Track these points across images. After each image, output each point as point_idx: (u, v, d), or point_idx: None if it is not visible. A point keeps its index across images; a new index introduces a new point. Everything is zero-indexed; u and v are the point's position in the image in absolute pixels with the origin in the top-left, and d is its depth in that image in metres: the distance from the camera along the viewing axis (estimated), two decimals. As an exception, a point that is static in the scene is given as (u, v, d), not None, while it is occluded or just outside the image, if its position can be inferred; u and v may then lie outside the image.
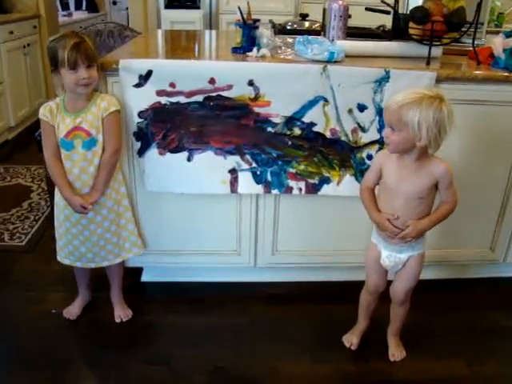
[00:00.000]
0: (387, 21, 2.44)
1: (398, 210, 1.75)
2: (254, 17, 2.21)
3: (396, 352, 2.04)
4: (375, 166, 1.83)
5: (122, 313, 2.18)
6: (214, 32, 3.71)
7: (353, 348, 2.06)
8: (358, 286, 2.26)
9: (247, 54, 2.11)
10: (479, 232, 2.40)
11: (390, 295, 1.97)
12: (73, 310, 2.17)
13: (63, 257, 2.08)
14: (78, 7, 7.27)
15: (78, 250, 2.02)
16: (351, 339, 2.08)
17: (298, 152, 2.08)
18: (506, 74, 2.08)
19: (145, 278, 2.43)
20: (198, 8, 4.58)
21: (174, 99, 1.96)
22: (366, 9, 2.55)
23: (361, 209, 2.20)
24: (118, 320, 2.16)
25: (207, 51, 2.70)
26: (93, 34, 3.19)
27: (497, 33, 2.65)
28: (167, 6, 4.60)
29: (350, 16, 2.34)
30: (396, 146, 1.68)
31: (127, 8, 5.75)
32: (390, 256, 1.86)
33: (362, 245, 2.29)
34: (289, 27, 2.70)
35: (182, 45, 2.81)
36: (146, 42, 2.84)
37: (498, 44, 2.16)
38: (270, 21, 2.73)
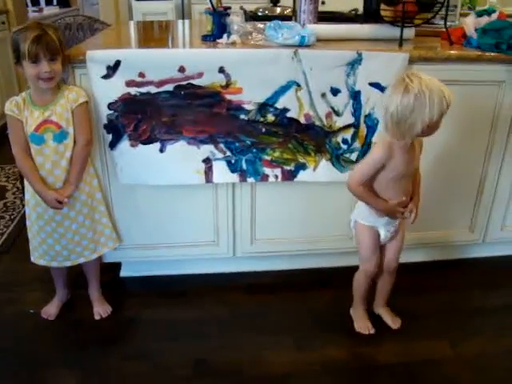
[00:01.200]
0: (360, 4, 2.42)
1: (403, 190, 1.83)
2: (227, 5, 2.18)
3: (395, 319, 2.10)
4: (377, 163, 1.76)
5: (101, 309, 2.14)
6: (186, 21, 3.66)
7: (372, 332, 2.06)
8: (338, 272, 2.28)
9: (217, 41, 2.08)
10: (458, 213, 2.40)
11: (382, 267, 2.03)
12: (51, 310, 2.13)
13: (38, 257, 2.03)
14: (48, 2, 7.11)
15: (53, 249, 1.98)
16: (366, 324, 2.08)
17: (272, 139, 2.05)
18: (478, 52, 2.07)
19: (123, 273, 2.40)
20: (170, -1, 4.53)
21: (143, 89, 1.92)
22: (338, -8, 2.53)
23: (338, 194, 2.20)
24: (97, 317, 2.12)
25: (179, 40, 2.65)
26: (62, 27, 3.12)
27: (471, 15, 2.64)
28: (139, -2, 4.55)
29: (323, 2, 2.32)
30: None
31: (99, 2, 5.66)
32: (390, 228, 1.93)
33: (341, 230, 2.29)
34: (260, 13, 2.67)
35: (152, 35, 2.76)
36: (116, 33, 2.79)
37: (469, 23, 2.16)
38: (241, 7, 2.69)
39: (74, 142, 1.86)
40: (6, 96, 4.51)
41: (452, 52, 2.08)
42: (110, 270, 2.35)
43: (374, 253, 1.97)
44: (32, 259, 2.04)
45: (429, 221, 2.32)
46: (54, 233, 1.95)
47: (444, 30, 2.22)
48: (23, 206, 2.95)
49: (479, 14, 2.19)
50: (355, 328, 2.09)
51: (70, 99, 1.84)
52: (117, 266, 2.39)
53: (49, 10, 6.74)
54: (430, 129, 1.67)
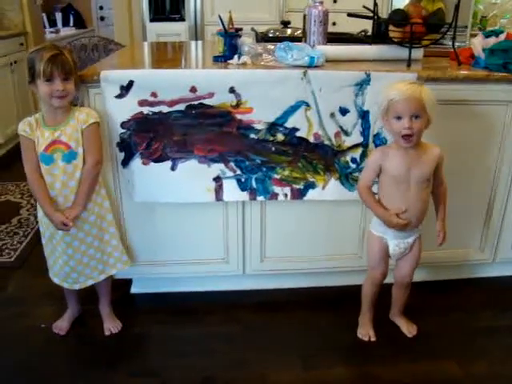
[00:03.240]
0: (370, 26, 2.45)
1: (412, 197, 1.87)
2: (238, 26, 2.23)
3: (410, 327, 2.15)
4: (373, 164, 1.89)
5: (111, 325, 2.16)
6: (199, 42, 3.72)
7: (372, 339, 2.09)
8: (347, 290, 2.27)
9: (228, 61, 2.12)
10: (468, 233, 2.40)
11: (396, 279, 2.10)
12: (62, 325, 2.15)
13: (53, 275, 2.07)
14: (65, 23, 7.27)
15: (63, 270, 2.01)
16: (367, 331, 2.12)
17: (281, 158, 2.08)
18: (486, 73, 2.09)
19: (134, 289, 2.42)
20: (184, 20, 4.60)
21: (156, 109, 1.96)
22: (348, 15, 2.56)
23: (347, 213, 2.22)
24: (107, 333, 2.14)
25: (191, 61, 2.70)
26: (77, 47, 3.20)
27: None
28: (153, 20, 4.63)
29: (334, 23, 2.35)
30: (419, 135, 1.80)
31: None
32: (400, 243, 1.97)
33: (351, 249, 2.30)
34: (271, 35, 2.71)
35: (165, 55, 2.81)
36: (130, 54, 2.85)
37: (477, 44, 2.18)
38: (252, 29, 2.74)
39: (84, 162, 1.89)
40: (22, 115, 4.58)
41: (460, 72, 2.10)
42: (121, 286, 2.36)
43: (380, 262, 2.01)
44: (50, 275, 2.07)
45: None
46: (64, 254, 1.98)
47: (452, 50, 2.25)
48: (37, 222, 2.99)
49: (487, 35, 2.21)
50: (357, 334, 2.12)
51: (80, 120, 1.87)
52: (128, 282, 2.41)
53: (65, 31, 6.90)
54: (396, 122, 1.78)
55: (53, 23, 7.03)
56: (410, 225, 1.90)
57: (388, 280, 2.10)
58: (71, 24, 7.40)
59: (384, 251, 2.00)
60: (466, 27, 3.65)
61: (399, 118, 1.76)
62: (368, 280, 2.09)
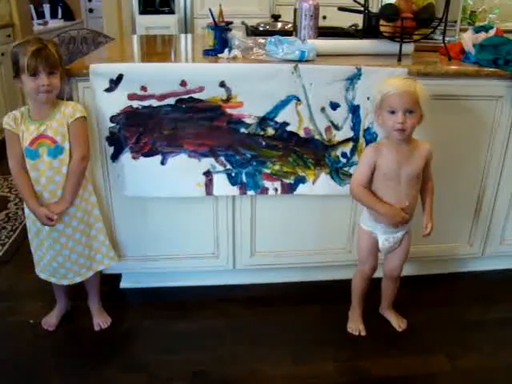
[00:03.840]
0: (360, 20, 2.45)
1: (403, 194, 1.88)
2: (228, 20, 2.21)
3: (400, 321, 2.16)
4: (368, 161, 1.88)
5: (100, 320, 2.15)
6: (188, 36, 3.70)
7: (362, 334, 2.11)
8: (337, 285, 2.27)
9: (219, 55, 2.11)
10: (457, 227, 2.42)
11: (385, 272, 2.11)
12: (51, 320, 2.13)
13: (39, 271, 2.05)
14: (53, 15, 7.20)
15: (51, 265, 1.99)
16: (357, 326, 2.13)
17: (272, 152, 2.07)
18: (476, 68, 2.10)
19: (123, 284, 2.41)
20: (173, 13, 4.56)
21: (145, 103, 1.95)
22: (339, 9, 2.55)
23: (338, 207, 2.22)
24: (97, 328, 2.13)
25: (181, 55, 2.68)
26: (66, 40, 3.17)
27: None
28: (142, 12, 4.58)
29: (324, 17, 2.35)
30: (412, 130, 1.80)
31: (103, 15, 5.71)
32: (389, 238, 1.98)
33: (341, 243, 2.31)
34: (261, 28, 2.70)
35: (155, 49, 2.79)
36: (120, 47, 2.83)
37: (467, 39, 2.18)
38: (243, 22, 2.72)
39: (71, 157, 1.86)
40: (10, 108, 4.53)
41: (450, 67, 2.10)
42: (110, 281, 2.35)
43: (369, 256, 2.03)
44: (36, 271, 2.06)
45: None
46: (51, 249, 1.96)
47: (442, 45, 2.25)
48: (25, 217, 2.97)
49: (477, 30, 2.22)
50: (347, 328, 2.13)
51: (66, 114, 1.84)
52: (117, 277, 2.40)
53: (53, 24, 6.83)
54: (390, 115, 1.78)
55: (41, 15, 6.95)
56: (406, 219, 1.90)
57: (378, 274, 2.12)
58: (59, 16, 7.32)
59: (373, 246, 2.01)
60: (456, 22, 3.66)
61: (393, 112, 1.76)
62: (357, 274, 2.10)
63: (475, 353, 2.05)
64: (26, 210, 1.94)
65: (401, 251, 2.03)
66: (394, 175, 1.85)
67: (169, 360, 1.97)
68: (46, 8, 7.08)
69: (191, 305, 2.29)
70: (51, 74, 1.77)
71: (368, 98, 1.99)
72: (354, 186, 1.91)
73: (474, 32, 2.21)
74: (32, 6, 6.18)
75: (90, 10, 7.84)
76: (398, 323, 2.16)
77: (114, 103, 1.95)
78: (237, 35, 2.16)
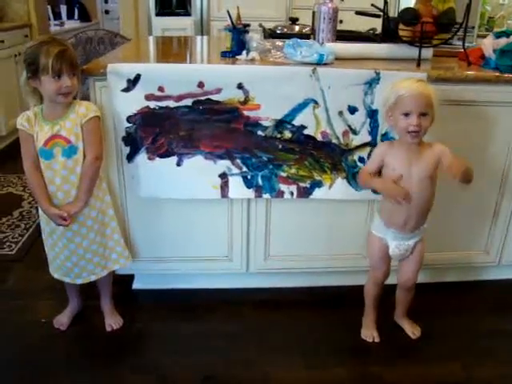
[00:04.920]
0: (378, 24, 2.44)
1: (414, 195, 1.84)
2: (246, 22, 2.21)
3: (414, 329, 2.13)
4: (377, 156, 1.91)
5: (112, 321, 2.14)
6: (205, 38, 3.70)
7: (376, 340, 2.09)
8: (352, 290, 2.25)
9: (236, 57, 2.10)
10: (474, 235, 2.38)
11: (399, 282, 2.08)
12: (63, 320, 2.13)
13: (53, 270, 2.05)
14: (70, 16, 7.26)
15: (65, 265, 1.99)
16: (371, 333, 2.11)
17: (288, 155, 2.06)
18: (496, 74, 2.07)
19: (136, 285, 2.40)
20: (189, 15, 4.58)
21: (162, 103, 1.94)
22: (357, 13, 2.55)
23: (353, 212, 2.20)
24: (108, 329, 2.12)
25: (197, 56, 2.68)
26: (83, 41, 3.18)
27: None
28: (158, 14, 4.60)
29: (341, 21, 2.33)
30: (425, 132, 1.80)
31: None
32: (400, 245, 1.96)
33: (356, 249, 2.28)
34: (279, 31, 2.69)
35: (171, 50, 2.79)
36: (136, 47, 2.83)
37: (487, 44, 2.16)
38: (260, 25, 2.71)
39: (85, 156, 1.86)
40: (25, 107, 4.57)
41: (470, 73, 2.08)
42: (122, 282, 2.35)
43: (380, 262, 2.02)
44: (50, 270, 2.06)
45: (444, 242, 2.31)
46: (65, 249, 1.96)
47: (462, 50, 2.23)
48: (39, 215, 2.98)
49: (498, 36, 2.19)
50: (361, 335, 2.11)
51: (79, 114, 1.83)
52: (130, 278, 2.40)
53: (70, 24, 6.89)
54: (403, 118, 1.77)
55: (57, 16, 7.00)
56: (409, 197, 1.82)
57: (392, 281, 2.09)
58: (76, 17, 7.38)
59: (384, 252, 1.99)
60: (473, 28, 3.63)
61: (407, 114, 1.75)
62: (370, 280, 2.09)
63: (491, 362, 2.02)
64: (40, 210, 1.94)
65: (413, 261, 2.01)
66: (405, 174, 1.84)
67: (180, 362, 1.96)
68: (63, 9, 7.15)
69: (204, 307, 2.28)
70: (72, 76, 1.77)
71: None
72: (360, 172, 2.00)
73: (494, 37, 2.18)
74: (49, 7, 6.22)
75: (106, 12, 7.88)
76: (412, 331, 2.13)
77: (131, 103, 1.94)
78: (254, 37, 2.15)
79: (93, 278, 2.04)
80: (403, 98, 1.75)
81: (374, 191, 2.08)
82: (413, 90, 1.75)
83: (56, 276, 2.05)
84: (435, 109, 1.77)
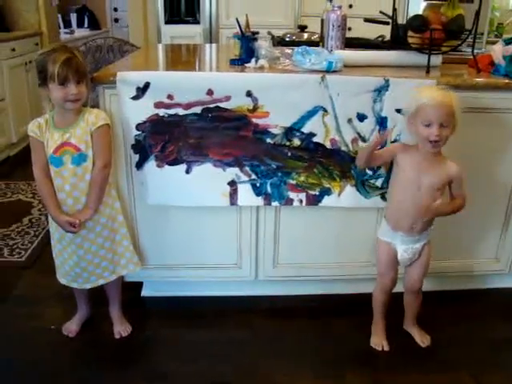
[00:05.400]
0: (387, 31, 2.44)
1: (422, 200, 1.85)
2: (255, 30, 2.21)
3: (423, 337, 2.12)
4: (390, 149, 1.95)
5: (121, 328, 2.14)
6: (213, 45, 3.72)
7: (386, 349, 2.07)
8: (360, 298, 2.24)
9: (245, 65, 2.10)
10: (484, 242, 2.37)
11: (406, 286, 2.08)
12: (71, 327, 2.14)
13: (60, 276, 2.06)
14: (80, 25, 7.32)
15: (73, 271, 1.99)
16: (381, 342, 2.10)
17: (297, 163, 2.06)
18: (506, 80, 2.06)
19: (145, 292, 2.41)
20: (198, 23, 4.60)
21: (171, 111, 1.95)
22: (365, 20, 2.55)
23: (363, 220, 2.20)
24: (117, 336, 2.12)
25: (206, 64, 2.69)
26: (93, 48, 3.20)
27: (497, 43, 2.65)
28: (167, 22, 4.63)
29: (350, 28, 2.34)
30: (446, 141, 1.80)
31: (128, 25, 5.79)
32: (408, 249, 1.96)
33: (365, 256, 2.28)
34: (287, 39, 2.70)
35: (180, 58, 2.81)
36: (145, 55, 2.84)
37: (497, 51, 2.15)
38: (269, 32, 2.72)
39: (94, 164, 1.87)
40: (35, 115, 4.59)
41: (480, 79, 2.07)
42: (131, 289, 2.35)
43: (388, 268, 2.01)
44: (57, 276, 2.07)
45: (454, 250, 2.30)
46: (74, 255, 1.96)
47: (471, 57, 2.22)
48: (48, 222, 3.00)
49: (507, 42, 2.18)
50: (370, 343, 2.10)
51: (89, 122, 1.84)
52: (139, 285, 2.40)
53: (80, 32, 6.94)
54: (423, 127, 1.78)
55: (68, 24, 7.06)
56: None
57: (400, 289, 2.09)
58: (85, 25, 7.44)
59: (392, 257, 1.99)
60: (482, 34, 3.62)
61: (428, 124, 1.75)
62: (378, 287, 2.08)
63: (500, 371, 2.01)
64: (50, 216, 1.95)
65: (420, 264, 2.01)
66: (415, 179, 1.84)
67: (189, 370, 1.96)
68: (73, 17, 7.21)
69: (213, 315, 2.28)
70: (79, 83, 1.78)
71: (398, 111, 1.97)
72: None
73: (504, 44, 2.17)
74: (59, 15, 6.27)
75: (116, 20, 7.93)
76: (421, 339, 2.11)
77: (141, 111, 1.95)
78: (263, 45, 2.15)
79: (101, 282, 2.05)
80: (424, 108, 1.75)
81: (383, 198, 2.08)
82: (434, 98, 1.75)
83: (63, 282, 2.05)
84: (457, 117, 1.76)
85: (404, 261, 1.99)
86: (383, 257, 2.01)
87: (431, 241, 2.00)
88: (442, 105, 1.73)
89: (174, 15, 4.60)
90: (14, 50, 4.33)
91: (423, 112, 1.75)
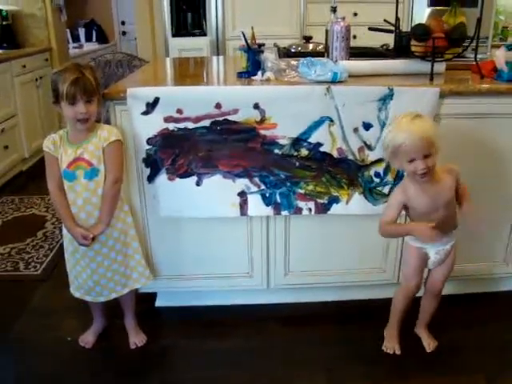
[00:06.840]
0: (391, 40, 2.47)
1: (441, 216, 1.84)
2: (260, 41, 2.25)
3: (431, 342, 2.13)
4: (396, 204, 1.89)
5: (136, 339, 2.18)
6: (220, 58, 3.76)
7: (397, 353, 2.09)
8: (371, 304, 2.26)
9: (252, 77, 2.14)
10: (493, 246, 2.38)
11: (427, 287, 2.08)
12: (87, 338, 2.18)
13: (74, 289, 2.10)
14: (88, 39, 7.42)
15: (87, 284, 2.04)
16: (393, 346, 2.11)
17: (305, 172, 2.09)
18: (509, 86, 2.08)
19: (159, 303, 2.44)
20: (205, 35, 4.65)
21: (181, 125, 1.99)
22: (369, 29, 2.58)
23: (371, 227, 2.20)
24: (132, 346, 2.16)
25: (214, 77, 2.73)
26: (102, 63, 3.26)
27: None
28: (175, 35, 4.68)
29: (354, 37, 2.36)
30: (434, 167, 1.78)
31: (136, 38, 5.86)
32: (440, 251, 1.96)
33: (375, 263, 2.30)
34: (293, 50, 2.73)
35: (189, 71, 2.85)
36: (154, 70, 2.89)
37: (500, 57, 2.16)
38: (275, 44, 2.75)
39: (105, 179, 1.91)
40: (47, 130, 4.71)
41: (483, 86, 2.09)
42: (146, 299, 2.38)
43: (416, 274, 2.01)
44: (70, 290, 2.11)
45: (464, 253, 2.30)
46: (87, 268, 2.00)
47: (474, 63, 2.24)
48: (62, 236, 3.04)
49: (510, 48, 2.20)
50: (382, 347, 2.11)
51: (101, 138, 1.89)
52: (153, 296, 2.44)
53: (88, 47, 7.03)
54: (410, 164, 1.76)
55: (76, 38, 7.16)
56: (444, 227, 1.85)
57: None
58: (94, 39, 7.54)
59: (422, 261, 1.99)
60: (487, 38, 3.63)
61: (411, 160, 1.74)
62: (401, 292, 2.07)
63: (514, 374, 2.01)
64: (64, 230, 2.00)
65: (446, 265, 2.01)
66: (431, 206, 1.84)
67: (204, 379, 1.99)
68: (81, 31, 7.31)
69: (226, 324, 2.31)
70: (89, 102, 1.82)
71: None
72: (383, 226, 1.91)
73: (506, 49, 2.19)
74: (68, 30, 6.37)
75: (123, 33, 8.02)
76: (428, 342, 2.13)
77: (151, 126, 2.00)
78: (269, 57, 2.19)
79: (113, 295, 2.08)
80: (403, 148, 1.73)
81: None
82: (410, 136, 1.70)
83: (77, 295, 2.09)
84: (437, 142, 1.74)
85: (435, 263, 1.99)
86: (413, 261, 2.00)
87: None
88: (420, 139, 1.70)
89: (180, 28, 4.66)
90: (24, 66, 4.41)
91: (403, 151, 1.73)
